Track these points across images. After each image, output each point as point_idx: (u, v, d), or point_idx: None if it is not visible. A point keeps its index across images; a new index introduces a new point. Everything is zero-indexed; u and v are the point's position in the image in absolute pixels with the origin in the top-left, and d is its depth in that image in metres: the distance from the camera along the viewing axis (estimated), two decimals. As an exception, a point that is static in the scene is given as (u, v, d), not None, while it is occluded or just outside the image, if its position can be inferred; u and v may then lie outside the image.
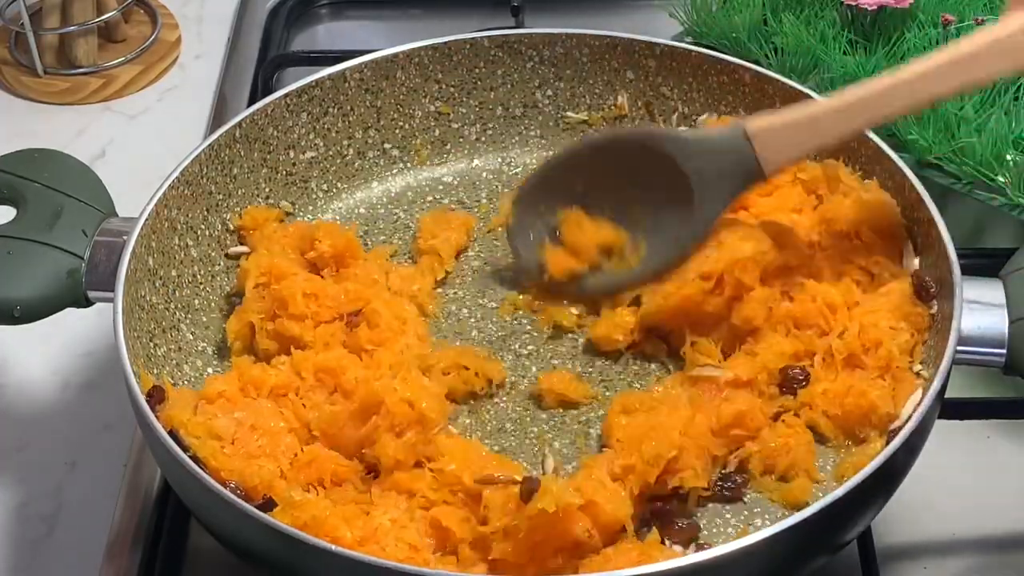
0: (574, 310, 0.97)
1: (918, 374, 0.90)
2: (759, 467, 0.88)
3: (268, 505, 0.82)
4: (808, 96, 1.02)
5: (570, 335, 0.98)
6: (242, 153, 1.02)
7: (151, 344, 0.93)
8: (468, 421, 0.93)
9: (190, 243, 0.99)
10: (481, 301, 1.01)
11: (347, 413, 0.88)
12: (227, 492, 0.81)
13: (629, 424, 0.88)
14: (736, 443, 0.88)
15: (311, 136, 1.06)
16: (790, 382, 0.91)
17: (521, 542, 0.81)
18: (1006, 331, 0.89)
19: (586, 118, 1.10)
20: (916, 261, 0.95)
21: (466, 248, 1.03)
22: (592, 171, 0.96)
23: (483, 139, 1.11)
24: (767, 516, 0.88)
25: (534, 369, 0.96)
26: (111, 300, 0.90)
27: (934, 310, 0.91)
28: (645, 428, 0.86)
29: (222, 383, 0.90)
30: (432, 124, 1.10)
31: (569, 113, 1.10)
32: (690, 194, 0.93)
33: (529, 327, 0.99)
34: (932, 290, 0.91)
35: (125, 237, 0.93)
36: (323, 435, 0.88)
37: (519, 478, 0.83)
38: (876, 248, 0.95)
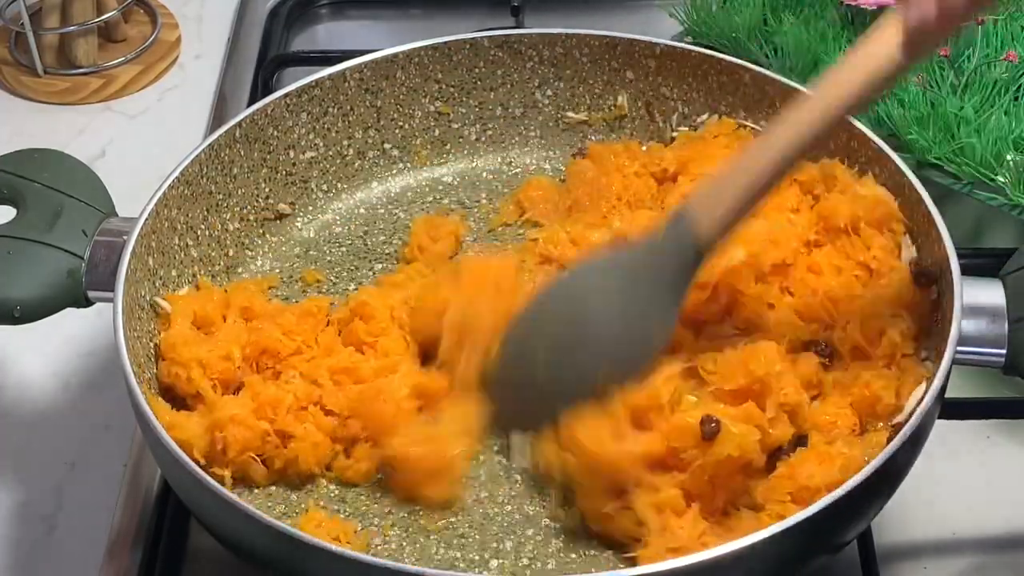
0: None
1: (925, 360, 0.90)
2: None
3: None
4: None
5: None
6: (242, 153, 1.02)
7: (151, 344, 0.93)
8: None
9: (190, 243, 0.99)
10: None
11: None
12: (227, 492, 0.81)
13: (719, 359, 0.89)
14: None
15: (311, 136, 1.06)
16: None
17: (705, 479, 0.85)
18: (1006, 331, 0.89)
19: (586, 118, 1.10)
20: (913, 250, 0.94)
21: (455, 254, 1.03)
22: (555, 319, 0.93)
23: (483, 139, 1.11)
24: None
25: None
26: (111, 300, 0.90)
27: (935, 296, 0.92)
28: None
29: (235, 406, 0.89)
30: (432, 124, 1.10)
31: (569, 113, 1.11)
32: (638, 321, 0.90)
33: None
34: (932, 274, 0.91)
35: (125, 237, 0.93)
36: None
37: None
38: (874, 243, 0.95)
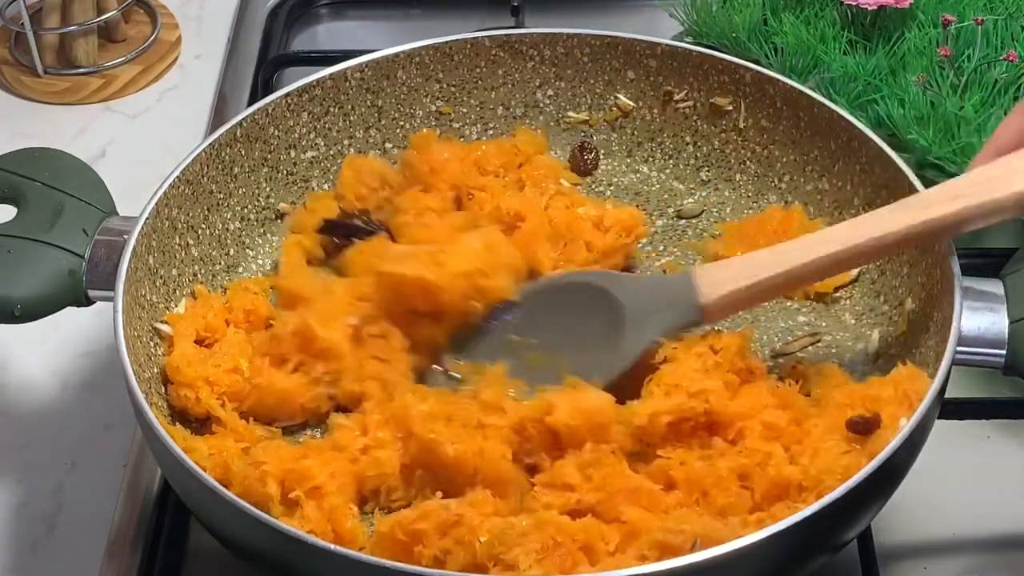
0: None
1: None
2: None
3: None
4: (807, 96, 1.03)
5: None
6: (243, 152, 1.03)
7: (151, 344, 0.93)
8: None
9: (191, 242, 0.99)
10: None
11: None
12: (227, 492, 0.81)
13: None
14: None
15: (312, 135, 1.06)
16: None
17: None
18: (1006, 331, 0.89)
19: (587, 118, 1.11)
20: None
21: None
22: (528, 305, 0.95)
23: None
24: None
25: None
26: (111, 299, 0.90)
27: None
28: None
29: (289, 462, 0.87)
30: (433, 124, 1.10)
31: (570, 113, 1.11)
32: (622, 325, 0.92)
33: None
34: (867, 423, 0.87)
35: (126, 236, 0.93)
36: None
37: None
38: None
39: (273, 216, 1.05)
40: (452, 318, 0.94)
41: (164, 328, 0.94)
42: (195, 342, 0.94)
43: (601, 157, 1.10)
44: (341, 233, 1.01)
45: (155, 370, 0.93)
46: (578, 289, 0.95)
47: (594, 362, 0.91)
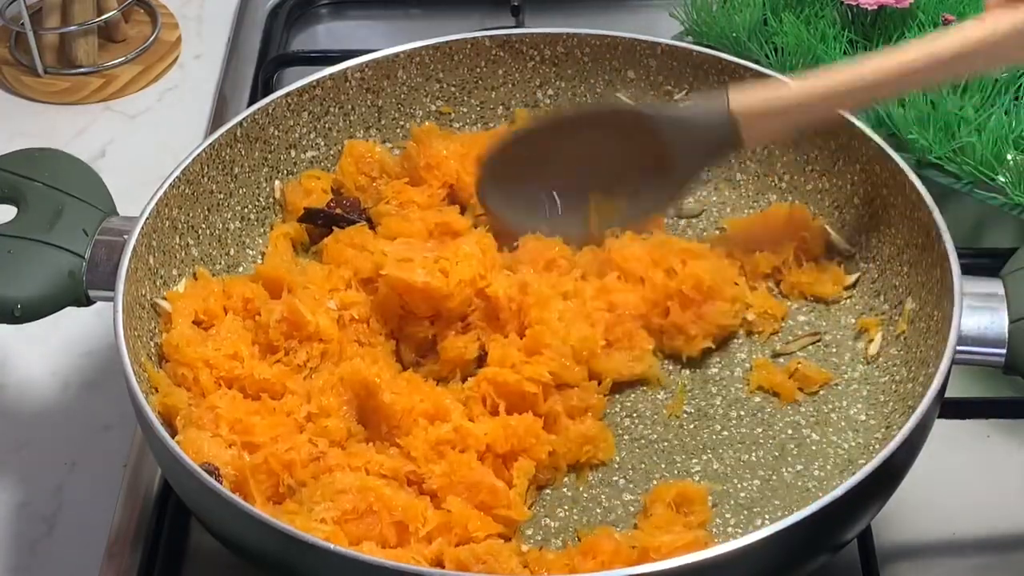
0: None
1: None
2: None
3: None
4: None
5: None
6: (243, 152, 1.02)
7: (151, 344, 0.93)
8: None
9: (191, 242, 0.99)
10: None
11: None
12: (227, 492, 0.81)
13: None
14: None
15: (312, 135, 1.06)
16: None
17: None
18: (1006, 331, 0.89)
19: None
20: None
21: None
22: (570, 139, 0.99)
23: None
24: (766, 517, 0.88)
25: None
26: (111, 299, 0.90)
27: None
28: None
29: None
30: (433, 124, 1.10)
31: None
32: (667, 162, 0.96)
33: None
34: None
35: (126, 236, 0.93)
36: None
37: None
38: None
39: (274, 216, 1.05)
40: (448, 321, 0.94)
41: (164, 304, 0.94)
42: (193, 323, 0.94)
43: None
44: (322, 221, 1.02)
45: (152, 348, 0.93)
46: (619, 125, 0.98)
47: (645, 200, 0.97)
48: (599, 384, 0.93)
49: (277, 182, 1.05)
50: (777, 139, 1.01)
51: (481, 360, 0.94)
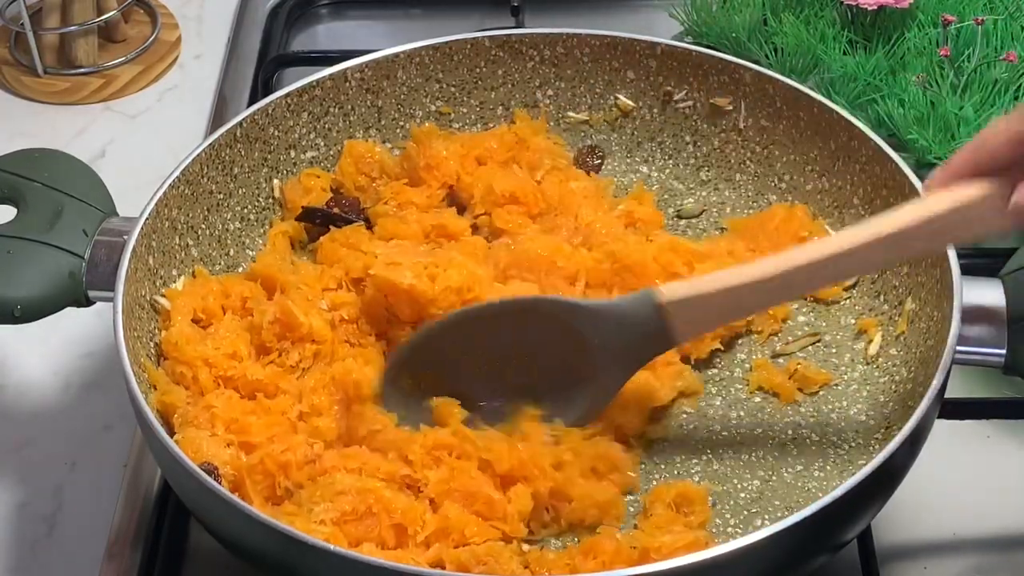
0: None
1: None
2: None
3: None
4: (807, 96, 1.02)
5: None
6: (243, 153, 1.02)
7: (151, 344, 0.93)
8: None
9: (191, 243, 0.99)
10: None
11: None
12: (227, 492, 0.81)
13: None
14: None
15: (312, 135, 1.06)
16: None
17: None
18: (1006, 331, 0.89)
19: (587, 118, 1.10)
20: None
21: None
22: (482, 339, 0.91)
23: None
24: (766, 517, 0.88)
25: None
26: (111, 300, 0.90)
27: None
28: None
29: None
30: (433, 124, 1.10)
31: (570, 113, 1.11)
32: (594, 364, 0.89)
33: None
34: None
35: (126, 237, 0.93)
36: None
37: None
38: None
39: (273, 215, 1.05)
40: None
41: (162, 302, 0.94)
42: (192, 321, 0.94)
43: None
44: (319, 220, 1.02)
45: (152, 348, 0.93)
46: (540, 318, 0.90)
47: (569, 402, 0.90)
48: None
49: (276, 180, 1.05)
50: (709, 331, 0.93)
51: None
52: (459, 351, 0.91)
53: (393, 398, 0.90)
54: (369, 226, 1.02)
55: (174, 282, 0.97)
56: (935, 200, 0.82)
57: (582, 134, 1.11)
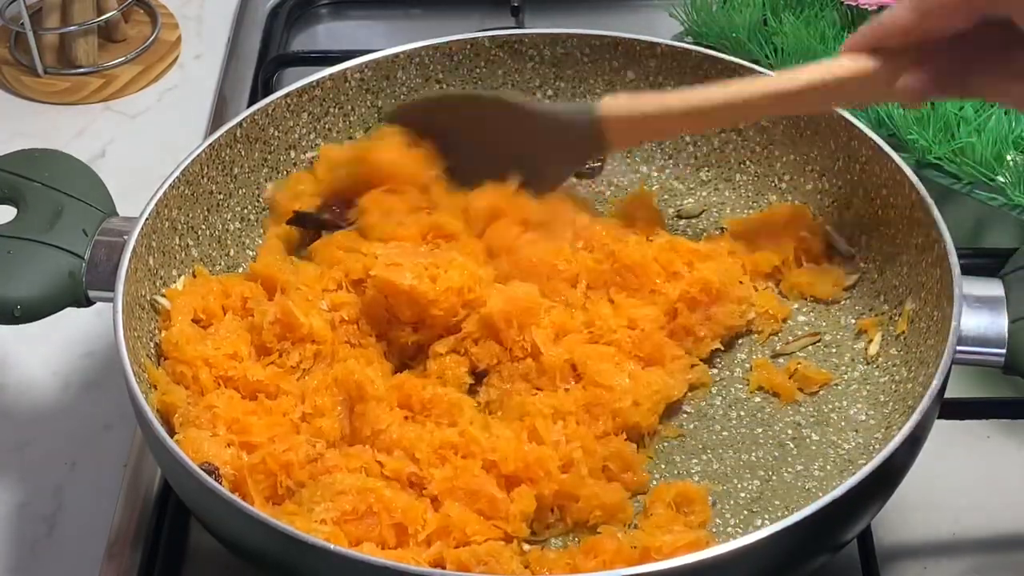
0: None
1: None
2: None
3: None
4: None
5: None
6: (243, 153, 1.02)
7: (151, 344, 0.93)
8: None
9: (190, 243, 0.99)
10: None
11: None
12: (227, 492, 0.81)
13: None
14: None
15: (312, 136, 1.06)
16: None
17: None
18: (1006, 331, 0.89)
19: None
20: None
21: None
22: (451, 117, 1.01)
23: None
24: (766, 517, 0.88)
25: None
26: (111, 300, 0.90)
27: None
28: None
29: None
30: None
31: None
32: (535, 156, 0.99)
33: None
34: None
35: (126, 237, 0.93)
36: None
37: None
38: None
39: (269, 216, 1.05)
40: (433, 329, 0.94)
41: (163, 302, 0.94)
42: (192, 321, 0.94)
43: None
44: (310, 225, 1.02)
45: (152, 348, 0.93)
46: (496, 112, 1.01)
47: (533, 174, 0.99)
48: None
49: (269, 184, 1.04)
50: (643, 142, 1.08)
51: (478, 377, 0.93)
52: (442, 123, 1.01)
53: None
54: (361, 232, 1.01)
55: (174, 282, 0.97)
56: (838, 65, 0.92)
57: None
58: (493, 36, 1.09)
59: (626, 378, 0.91)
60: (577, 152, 1.02)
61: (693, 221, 1.06)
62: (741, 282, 0.98)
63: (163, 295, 0.95)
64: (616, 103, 0.98)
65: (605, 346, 0.93)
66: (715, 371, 0.97)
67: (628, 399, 0.91)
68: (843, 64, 0.91)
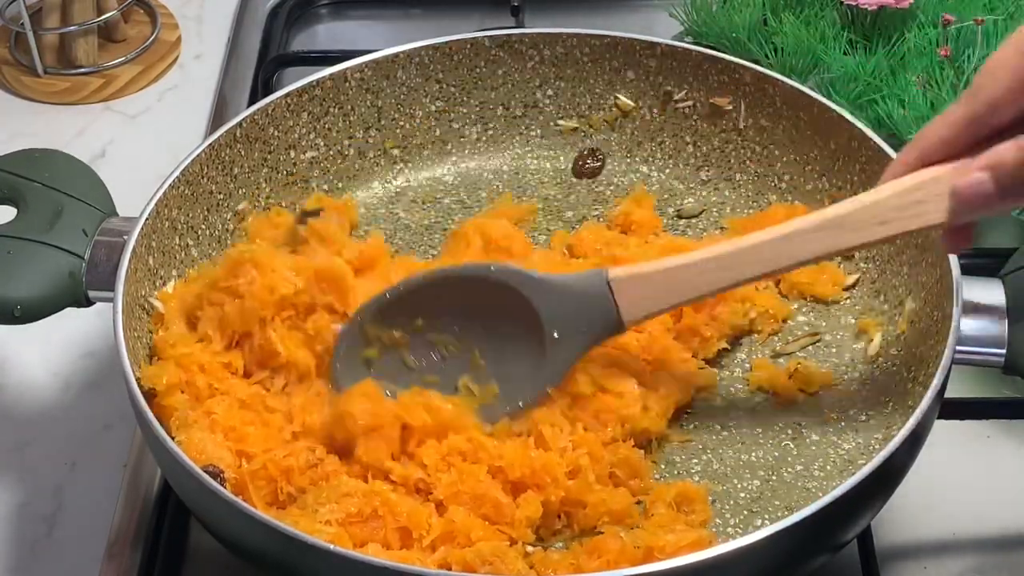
0: None
1: None
2: None
3: None
4: (807, 96, 1.03)
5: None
6: (243, 153, 1.03)
7: (151, 344, 0.93)
8: None
9: (190, 243, 0.99)
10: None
11: None
12: (227, 492, 0.81)
13: None
14: None
15: (312, 136, 1.06)
16: None
17: None
18: (1006, 331, 0.90)
19: (576, 125, 1.10)
20: None
21: None
22: (438, 304, 0.90)
23: (484, 139, 1.11)
24: (766, 517, 0.88)
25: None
26: (111, 300, 0.90)
27: None
28: None
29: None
30: (433, 124, 1.10)
31: (561, 122, 1.10)
32: (542, 339, 0.89)
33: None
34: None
35: (125, 237, 0.93)
36: None
37: None
38: None
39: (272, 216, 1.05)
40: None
41: (156, 304, 0.94)
42: (186, 324, 0.94)
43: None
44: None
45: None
46: (491, 290, 0.89)
47: (517, 378, 0.89)
48: None
49: (244, 203, 1.03)
50: (658, 313, 0.90)
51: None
52: (416, 315, 0.90)
53: (346, 370, 0.90)
54: None
55: (174, 282, 0.97)
56: (881, 189, 0.82)
57: (583, 134, 1.11)
58: (493, 36, 1.09)
59: (635, 384, 0.91)
60: (586, 330, 0.89)
61: (693, 221, 1.06)
62: None
63: (156, 296, 0.95)
64: (627, 269, 0.88)
65: (613, 350, 0.93)
66: (715, 371, 0.97)
67: (637, 405, 0.90)
68: (886, 188, 0.81)
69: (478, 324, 0.90)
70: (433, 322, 0.90)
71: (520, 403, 0.89)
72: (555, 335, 0.89)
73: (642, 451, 0.90)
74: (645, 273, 0.88)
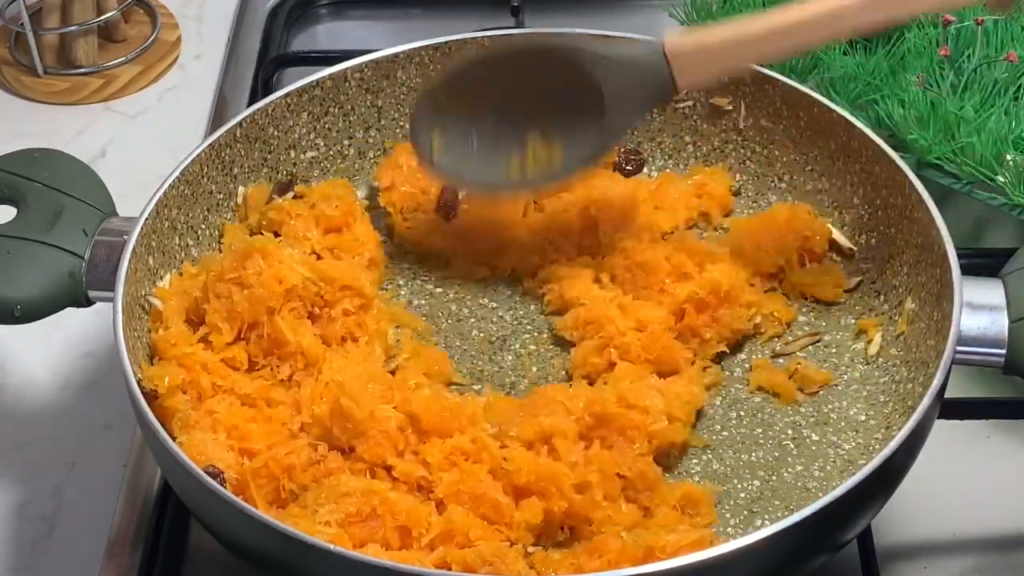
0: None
1: None
2: None
3: None
4: (807, 96, 1.03)
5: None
6: (243, 153, 1.02)
7: (150, 344, 0.93)
8: None
9: (190, 243, 0.99)
10: (482, 301, 1.01)
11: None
12: (227, 492, 0.81)
13: None
14: None
15: (312, 136, 1.06)
16: None
17: None
18: (1006, 331, 0.89)
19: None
20: None
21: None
22: (502, 77, 0.97)
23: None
24: (766, 517, 0.88)
25: (534, 369, 0.96)
26: (111, 300, 0.90)
27: None
28: None
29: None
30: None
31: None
32: (601, 105, 0.95)
33: (530, 327, 0.99)
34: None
35: (125, 237, 0.93)
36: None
37: None
38: None
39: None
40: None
41: (155, 302, 0.94)
42: (185, 322, 0.94)
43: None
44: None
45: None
46: (552, 63, 0.96)
47: (579, 140, 0.96)
48: None
49: (242, 188, 1.03)
50: (709, 83, 1.02)
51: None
52: (481, 86, 0.97)
53: (423, 126, 0.98)
54: None
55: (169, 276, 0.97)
56: None
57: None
58: (493, 36, 1.09)
59: (658, 396, 0.90)
60: (642, 96, 0.96)
61: (693, 221, 1.07)
62: (752, 284, 0.98)
63: (154, 294, 0.95)
64: (682, 40, 0.94)
65: (623, 361, 0.93)
66: (719, 368, 0.97)
67: (663, 420, 0.89)
68: None
69: (540, 94, 0.96)
70: (496, 92, 0.97)
71: (582, 162, 0.96)
72: (614, 102, 0.95)
73: (660, 468, 0.89)
74: (702, 46, 0.94)
